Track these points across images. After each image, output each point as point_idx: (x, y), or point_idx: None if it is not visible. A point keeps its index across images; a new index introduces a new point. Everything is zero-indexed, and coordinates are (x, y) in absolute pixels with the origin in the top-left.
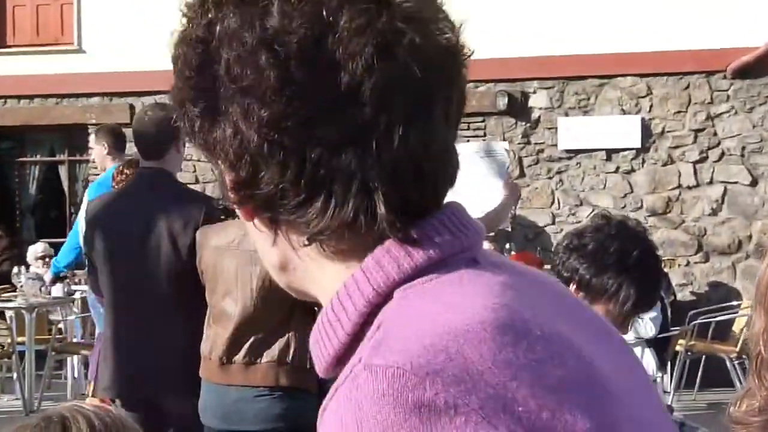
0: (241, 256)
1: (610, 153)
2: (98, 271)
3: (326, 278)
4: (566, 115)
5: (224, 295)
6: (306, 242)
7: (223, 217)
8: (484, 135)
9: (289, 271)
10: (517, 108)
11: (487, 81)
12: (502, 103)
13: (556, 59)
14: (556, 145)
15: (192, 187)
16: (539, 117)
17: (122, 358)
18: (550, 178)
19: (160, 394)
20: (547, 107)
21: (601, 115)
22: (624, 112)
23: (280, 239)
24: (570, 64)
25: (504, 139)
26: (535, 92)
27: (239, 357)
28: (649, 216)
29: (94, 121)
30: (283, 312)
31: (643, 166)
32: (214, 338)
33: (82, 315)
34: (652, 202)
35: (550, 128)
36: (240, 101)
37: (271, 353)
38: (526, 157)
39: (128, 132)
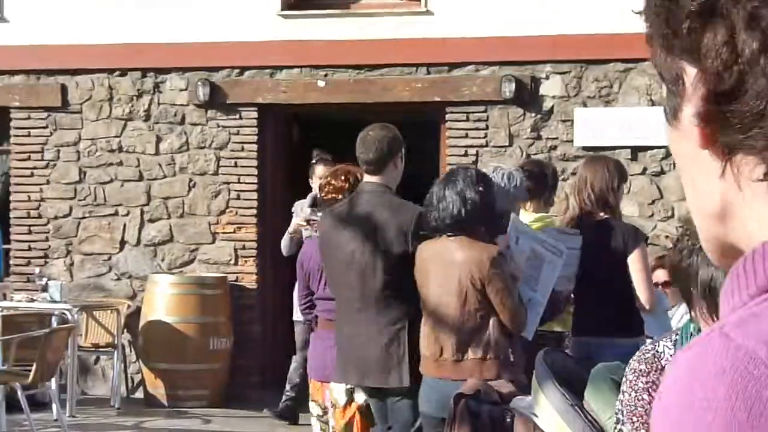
0: (449, 269)
1: (635, 151)
2: (330, 277)
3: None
4: (584, 105)
5: (435, 299)
6: (762, 176)
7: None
8: (486, 127)
9: (727, 219)
10: (526, 96)
11: (490, 63)
12: (509, 90)
13: (573, 38)
14: (571, 141)
15: (135, 182)
16: (552, 107)
17: (349, 350)
18: (564, 180)
19: (378, 379)
20: (562, 96)
21: (625, 106)
22: (653, 103)
23: (728, 174)
24: (589, 44)
25: (510, 133)
26: (547, 78)
27: (449, 354)
28: (681, 226)
29: (18, 104)
30: (484, 315)
31: (674, 167)
32: (428, 337)
33: (2, 338)
34: (686, 210)
35: (564, 121)
36: (746, 4)
37: (476, 351)
38: (535, 154)
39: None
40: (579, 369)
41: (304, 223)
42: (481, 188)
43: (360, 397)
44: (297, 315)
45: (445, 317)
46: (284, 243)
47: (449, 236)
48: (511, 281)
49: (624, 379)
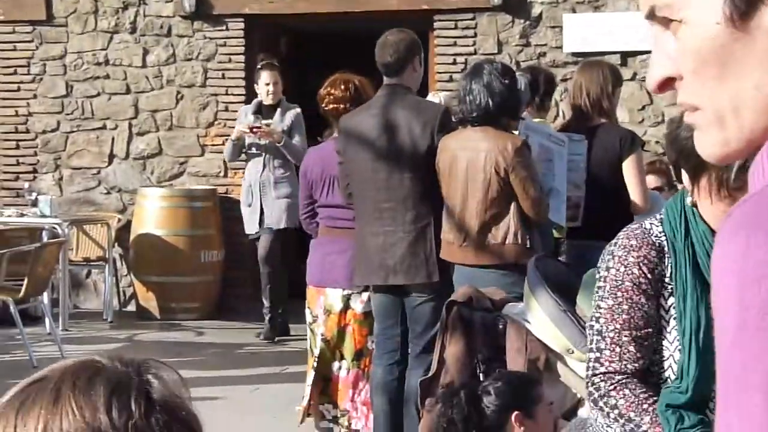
0: (474, 157)
1: (625, 57)
2: (350, 177)
3: None
4: (573, 11)
5: (460, 187)
6: None
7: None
8: (475, 35)
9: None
10: (515, 3)
11: None
12: None
13: None
14: (560, 48)
15: (123, 96)
16: (541, 13)
17: (372, 252)
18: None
19: (406, 277)
20: (551, 2)
21: (615, 11)
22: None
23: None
24: None
25: (499, 41)
26: None
27: (471, 240)
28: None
29: (2, 18)
30: (505, 202)
31: None
32: (451, 224)
33: None
34: (676, 116)
35: (553, 27)
36: None
37: (496, 235)
38: (524, 61)
39: None
40: (571, 275)
41: (247, 130)
42: (506, 80)
43: (358, 306)
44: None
45: (470, 204)
46: (227, 150)
47: (474, 126)
48: (534, 171)
49: (608, 256)
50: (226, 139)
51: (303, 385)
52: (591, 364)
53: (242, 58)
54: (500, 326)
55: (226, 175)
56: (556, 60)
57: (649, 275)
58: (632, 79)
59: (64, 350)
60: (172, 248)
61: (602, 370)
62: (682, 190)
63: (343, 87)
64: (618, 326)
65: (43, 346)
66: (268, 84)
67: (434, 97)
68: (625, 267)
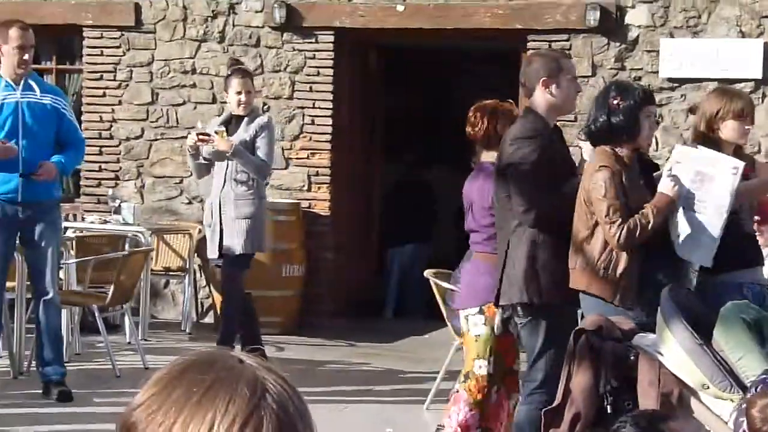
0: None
1: (723, 84)
2: None
3: None
4: (671, 36)
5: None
6: None
7: None
8: (570, 56)
9: None
10: (611, 25)
11: None
12: (593, 18)
13: None
14: (656, 73)
15: (209, 105)
16: (637, 37)
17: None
18: None
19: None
20: (648, 26)
21: (714, 37)
22: (743, 34)
23: None
24: None
25: (593, 63)
26: (633, 6)
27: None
28: None
29: (90, 22)
30: (590, 224)
31: (763, 101)
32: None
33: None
34: None
35: (650, 51)
36: None
37: (575, 260)
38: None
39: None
40: (704, 307)
41: (195, 138)
42: (616, 100)
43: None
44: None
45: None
46: (190, 166)
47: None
48: (614, 196)
49: None
50: (312, 153)
51: (391, 406)
52: None
53: (330, 71)
54: (631, 357)
55: (309, 190)
56: (651, 85)
57: None
58: None
59: (146, 361)
60: (254, 262)
61: None
62: None
63: (488, 116)
64: None
65: (125, 355)
66: (239, 93)
67: None
68: None
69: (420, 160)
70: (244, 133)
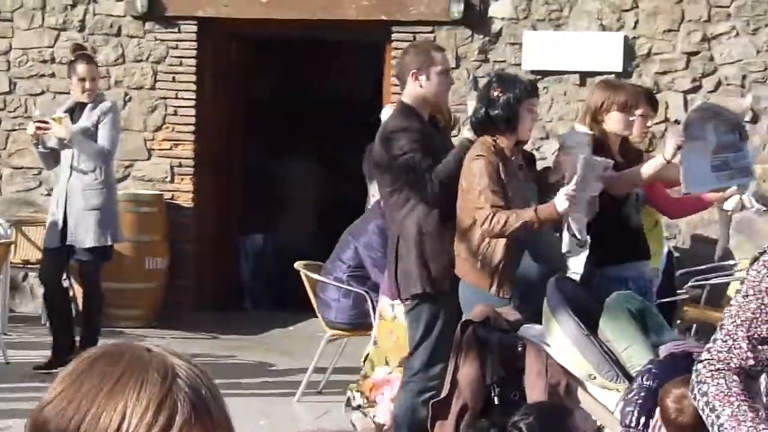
0: None
1: (584, 77)
2: None
3: None
4: (534, 28)
5: None
6: None
7: None
8: (443, 50)
9: None
10: (475, 17)
11: None
12: (457, 10)
13: None
14: (519, 65)
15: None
16: (501, 30)
17: None
18: None
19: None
20: (511, 18)
21: (576, 30)
22: (604, 27)
23: None
24: None
25: (457, 55)
26: None
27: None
28: None
29: None
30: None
31: None
32: None
33: None
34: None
35: (513, 44)
36: None
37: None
38: (482, 78)
39: None
40: (589, 297)
41: (33, 128)
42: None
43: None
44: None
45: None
46: (36, 156)
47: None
48: (486, 184)
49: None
50: (174, 144)
51: (261, 399)
52: (703, 354)
53: (193, 61)
54: (519, 348)
55: (172, 181)
56: None
57: None
58: None
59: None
60: (115, 253)
61: (707, 357)
62: None
63: None
64: (738, 321)
65: None
66: (83, 80)
67: (390, 109)
68: (767, 269)
69: (277, 150)
70: (86, 120)
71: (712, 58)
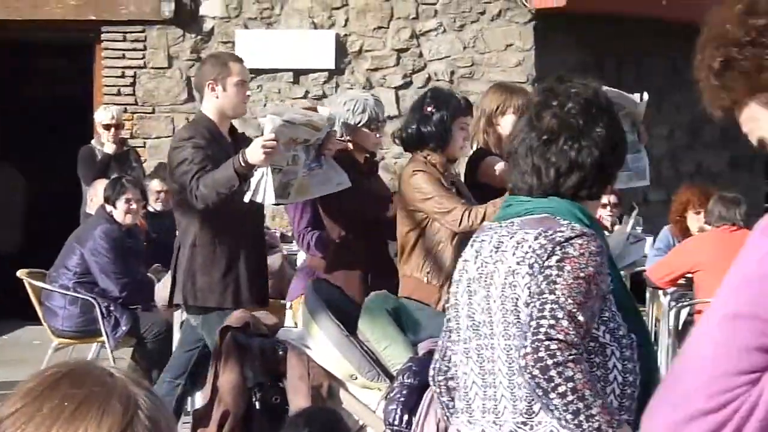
0: None
1: (297, 74)
2: None
3: None
4: (246, 27)
5: None
6: None
7: None
8: (144, 48)
9: None
10: (186, 16)
11: None
12: (168, 9)
13: None
14: None
15: None
16: (212, 29)
17: None
18: None
19: None
20: (223, 17)
21: (288, 28)
22: (315, 26)
23: None
24: None
25: (170, 55)
26: None
27: None
28: None
29: None
30: None
31: (336, 90)
32: None
33: None
34: None
35: (225, 42)
36: None
37: None
38: (195, 77)
39: None
40: (346, 299)
41: None
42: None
43: None
44: None
45: None
46: None
47: None
48: (438, 189)
49: (561, 249)
50: None
51: None
52: (545, 330)
53: None
54: (280, 352)
55: None
56: None
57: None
58: (304, 96)
59: None
60: None
61: (560, 337)
62: None
63: None
64: (576, 304)
65: None
66: None
67: (106, 111)
68: (589, 255)
69: None
70: None
71: (421, 55)
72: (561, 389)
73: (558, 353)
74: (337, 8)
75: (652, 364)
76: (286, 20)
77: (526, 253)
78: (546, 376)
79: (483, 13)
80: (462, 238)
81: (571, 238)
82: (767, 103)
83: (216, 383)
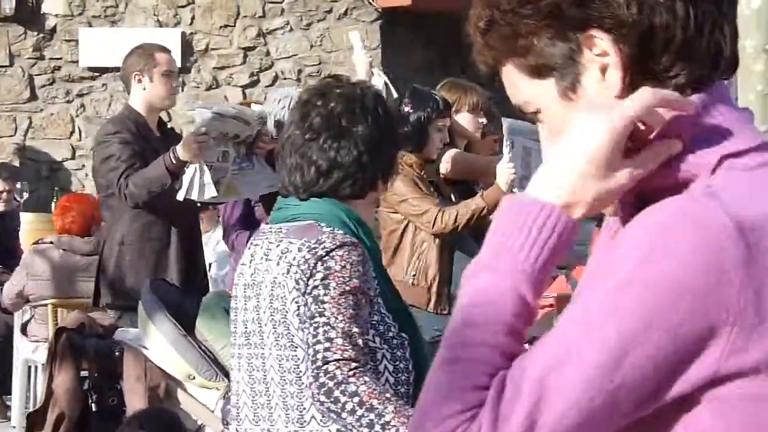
0: None
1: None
2: None
3: None
4: (90, 25)
5: None
6: None
7: None
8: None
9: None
10: (28, 14)
11: None
12: (9, 6)
13: None
14: (77, 62)
15: None
16: (55, 26)
17: None
18: (69, 102)
19: None
20: (66, 15)
21: (133, 26)
22: (161, 24)
23: None
24: None
25: (11, 53)
26: None
27: None
28: None
29: None
30: None
31: (183, 89)
32: None
33: None
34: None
35: (69, 41)
36: None
37: None
38: (38, 75)
39: None
40: (185, 298)
41: None
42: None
43: None
44: None
45: None
46: None
47: None
48: (413, 190)
49: (323, 263)
50: None
51: None
52: (321, 354)
53: None
54: (116, 353)
55: None
56: (72, 74)
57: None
58: None
59: None
60: None
61: (337, 356)
62: None
63: None
64: (347, 319)
65: None
66: None
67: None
68: (351, 266)
69: None
70: None
71: (268, 53)
72: (349, 406)
73: (338, 372)
74: (183, 6)
75: (421, 359)
76: (131, 18)
77: (291, 265)
78: (332, 399)
79: (330, 11)
80: (445, 237)
81: (332, 249)
82: (520, 65)
83: (51, 385)
